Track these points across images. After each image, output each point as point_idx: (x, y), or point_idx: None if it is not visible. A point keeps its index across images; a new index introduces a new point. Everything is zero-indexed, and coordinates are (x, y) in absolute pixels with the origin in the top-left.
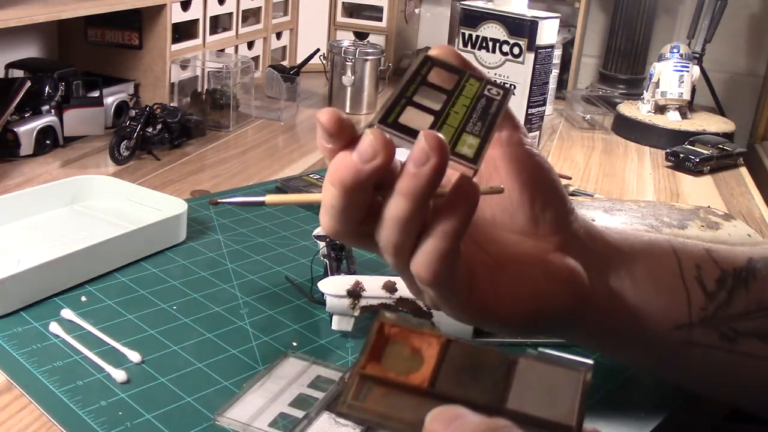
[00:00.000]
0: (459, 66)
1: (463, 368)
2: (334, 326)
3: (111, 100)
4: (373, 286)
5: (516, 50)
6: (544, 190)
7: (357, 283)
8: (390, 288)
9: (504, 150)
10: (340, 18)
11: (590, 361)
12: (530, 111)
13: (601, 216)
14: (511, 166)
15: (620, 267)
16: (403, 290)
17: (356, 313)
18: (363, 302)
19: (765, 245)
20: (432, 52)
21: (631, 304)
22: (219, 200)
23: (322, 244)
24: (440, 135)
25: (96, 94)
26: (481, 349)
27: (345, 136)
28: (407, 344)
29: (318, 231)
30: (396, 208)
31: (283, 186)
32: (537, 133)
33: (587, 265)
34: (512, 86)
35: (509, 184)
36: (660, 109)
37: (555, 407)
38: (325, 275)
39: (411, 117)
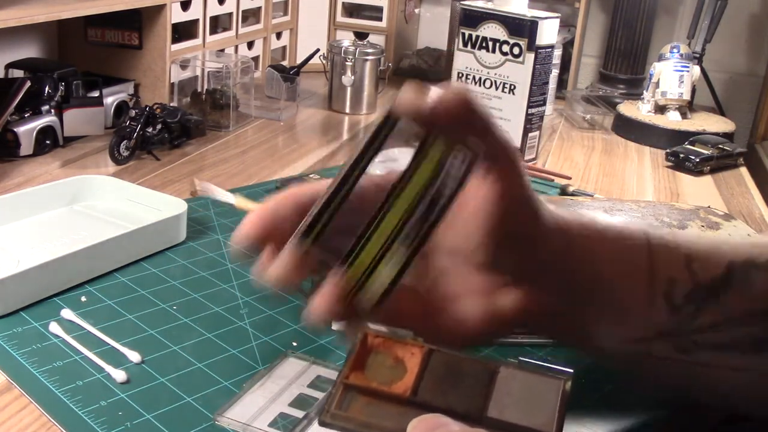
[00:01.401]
0: (424, 124)
1: (444, 377)
2: (334, 326)
3: (111, 100)
4: None
5: (516, 50)
6: (513, 242)
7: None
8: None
9: (486, 189)
10: (340, 18)
11: (570, 370)
12: (530, 111)
13: (601, 216)
14: (485, 207)
15: (586, 293)
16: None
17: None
18: None
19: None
20: (396, 107)
21: (588, 325)
22: (198, 190)
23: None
24: (321, 307)
25: (96, 94)
26: (462, 358)
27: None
28: (390, 354)
29: None
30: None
31: (284, 186)
32: (537, 133)
33: (552, 289)
34: (512, 86)
35: (474, 223)
36: (660, 109)
37: (535, 415)
38: None
39: (331, 238)
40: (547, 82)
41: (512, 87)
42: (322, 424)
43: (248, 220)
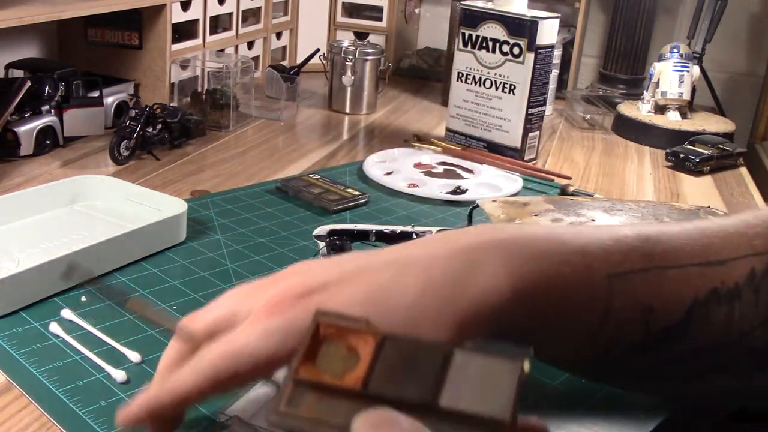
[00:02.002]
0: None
1: (397, 365)
2: None
3: (111, 100)
4: None
5: (516, 50)
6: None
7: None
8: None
9: None
10: (340, 18)
11: (528, 350)
12: (530, 111)
13: (601, 216)
14: None
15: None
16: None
17: None
18: None
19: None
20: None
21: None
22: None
23: (322, 244)
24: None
25: (96, 94)
26: (416, 343)
27: None
28: (343, 343)
29: (318, 231)
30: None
31: (284, 186)
32: (537, 133)
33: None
34: (512, 86)
35: None
36: (660, 109)
37: (489, 401)
38: None
39: None
40: (547, 82)
41: (512, 87)
42: (272, 424)
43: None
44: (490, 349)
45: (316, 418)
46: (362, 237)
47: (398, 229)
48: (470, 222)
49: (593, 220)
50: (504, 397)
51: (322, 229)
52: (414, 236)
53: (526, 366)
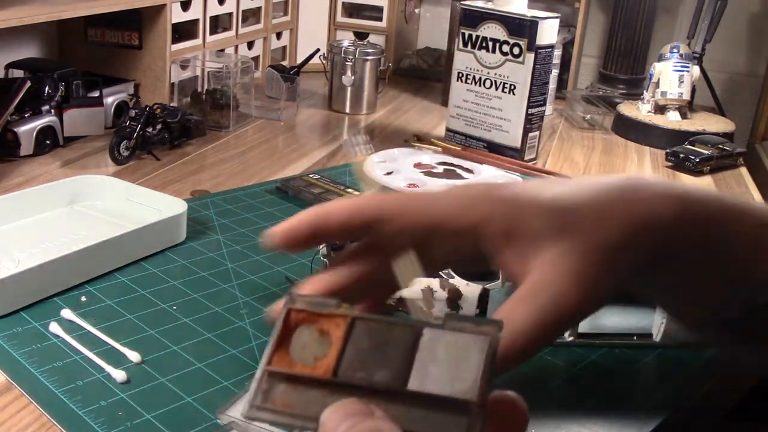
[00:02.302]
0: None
1: (367, 348)
2: None
3: (111, 100)
4: None
5: (516, 50)
6: None
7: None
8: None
9: None
10: (340, 18)
11: (498, 320)
12: (530, 111)
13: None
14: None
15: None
16: (403, 290)
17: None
18: None
19: None
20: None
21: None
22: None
23: (322, 244)
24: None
25: (96, 94)
26: (387, 323)
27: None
28: (315, 328)
29: None
30: None
31: (284, 186)
32: (537, 133)
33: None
34: (512, 86)
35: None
36: (660, 109)
37: (458, 381)
38: None
39: None
40: (547, 82)
41: (512, 87)
42: (247, 419)
43: (299, 218)
44: (459, 325)
45: (290, 410)
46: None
47: None
48: None
49: None
50: (471, 376)
51: None
52: None
53: (498, 337)
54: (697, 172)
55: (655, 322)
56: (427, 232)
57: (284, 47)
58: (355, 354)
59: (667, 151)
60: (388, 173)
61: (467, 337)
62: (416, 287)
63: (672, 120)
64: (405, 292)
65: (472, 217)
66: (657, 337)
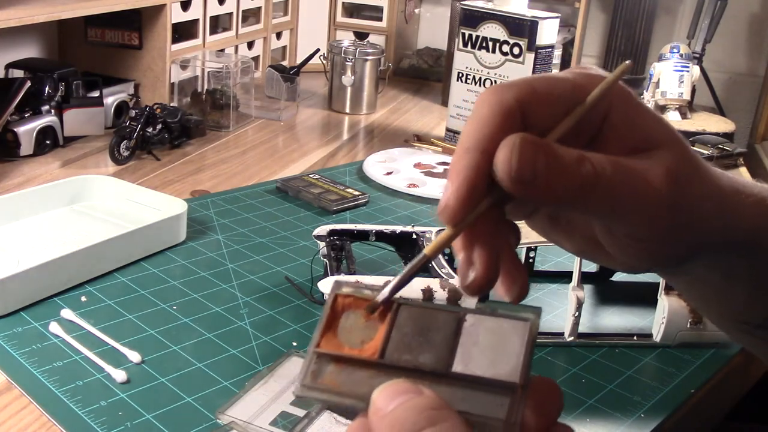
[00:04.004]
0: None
1: (412, 333)
2: None
3: (111, 100)
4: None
5: (516, 50)
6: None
7: (357, 283)
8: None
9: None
10: (340, 18)
11: (537, 307)
12: None
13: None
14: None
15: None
16: (404, 290)
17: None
18: None
19: None
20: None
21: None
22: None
23: (322, 244)
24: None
25: (96, 94)
26: (430, 309)
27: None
28: (361, 313)
29: (318, 231)
30: None
31: (284, 186)
32: None
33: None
34: None
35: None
36: (660, 109)
37: (501, 364)
38: (325, 275)
39: None
40: None
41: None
42: (297, 397)
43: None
44: (500, 311)
45: (339, 390)
46: (362, 237)
47: (398, 229)
48: None
49: None
50: (513, 359)
51: (322, 229)
52: (414, 236)
53: (536, 324)
54: None
55: (655, 322)
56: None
57: (284, 47)
58: (400, 338)
59: None
60: (388, 173)
61: (508, 322)
62: (416, 287)
63: (672, 120)
64: None
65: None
66: (657, 337)
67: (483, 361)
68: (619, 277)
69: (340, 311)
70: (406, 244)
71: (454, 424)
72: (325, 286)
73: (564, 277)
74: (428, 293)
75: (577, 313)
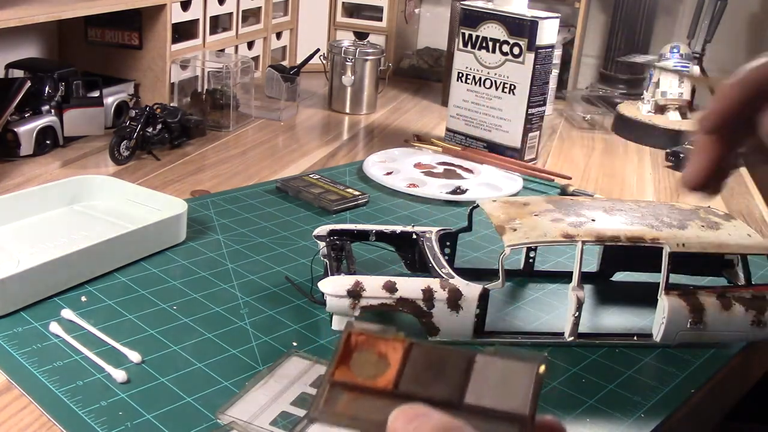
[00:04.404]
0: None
1: (424, 369)
2: (334, 326)
3: (111, 100)
4: (373, 286)
5: (516, 50)
6: None
7: (357, 283)
8: (390, 288)
9: None
10: (340, 18)
11: (544, 354)
12: (530, 111)
13: (601, 216)
14: None
15: None
16: (403, 290)
17: (356, 314)
18: (363, 302)
19: None
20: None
21: None
22: None
23: (322, 244)
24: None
25: (96, 94)
26: (441, 349)
27: None
28: (374, 350)
29: (318, 231)
30: None
31: (284, 186)
32: (537, 133)
33: None
34: (512, 86)
35: None
36: (660, 109)
37: (510, 398)
38: (325, 275)
39: None
40: (547, 82)
41: (512, 87)
42: (311, 421)
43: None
44: (509, 354)
45: (353, 416)
46: (362, 237)
47: (398, 229)
48: (470, 222)
49: (593, 220)
50: (523, 395)
51: (323, 229)
52: (414, 236)
53: (542, 368)
54: None
55: (655, 322)
56: None
57: (284, 47)
58: (413, 372)
59: (667, 151)
60: (388, 173)
61: (517, 364)
62: (416, 287)
63: (672, 120)
64: None
65: None
66: (657, 337)
67: (493, 395)
68: (619, 277)
69: (354, 348)
70: (406, 244)
71: None
72: (325, 286)
73: (564, 277)
74: (428, 293)
75: (577, 313)
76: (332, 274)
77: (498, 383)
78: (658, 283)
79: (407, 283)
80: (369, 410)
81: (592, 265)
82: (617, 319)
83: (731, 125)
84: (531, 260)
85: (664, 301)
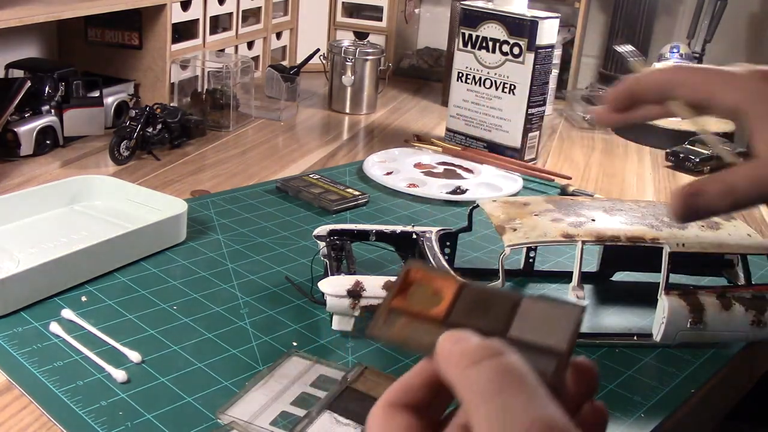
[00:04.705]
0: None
1: (474, 305)
2: (335, 326)
3: (111, 100)
4: (373, 286)
5: (516, 50)
6: None
7: (357, 283)
8: (390, 287)
9: None
10: (340, 18)
11: (584, 304)
12: (530, 111)
13: (601, 216)
14: None
15: None
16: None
17: (356, 314)
18: (363, 302)
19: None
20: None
21: None
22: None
23: (322, 244)
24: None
25: (96, 94)
26: (491, 291)
27: None
28: (430, 286)
29: (318, 231)
30: None
31: (284, 186)
32: (537, 133)
33: None
34: (512, 86)
35: None
36: None
37: (550, 336)
38: (326, 275)
39: None
40: (547, 82)
41: (512, 87)
42: (369, 337)
43: (615, 88)
44: (552, 299)
45: (406, 336)
46: (362, 237)
47: (398, 229)
48: (470, 222)
49: (593, 220)
50: (562, 334)
51: (323, 229)
52: (414, 236)
53: (582, 315)
54: (697, 172)
55: (655, 322)
56: (705, 102)
57: (284, 47)
58: (463, 308)
59: (667, 151)
60: (388, 173)
61: (558, 308)
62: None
63: (672, 120)
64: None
65: (737, 98)
66: (657, 337)
67: (534, 332)
68: (619, 276)
69: (411, 282)
70: (405, 244)
71: (516, 359)
72: (326, 286)
73: (564, 277)
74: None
75: None
76: (332, 274)
77: (540, 322)
78: (658, 283)
79: None
80: (421, 333)
81: (592, 265)
82: (617, 319)
83: (628, 105)
84: (531, 260)
85: (664, 301)
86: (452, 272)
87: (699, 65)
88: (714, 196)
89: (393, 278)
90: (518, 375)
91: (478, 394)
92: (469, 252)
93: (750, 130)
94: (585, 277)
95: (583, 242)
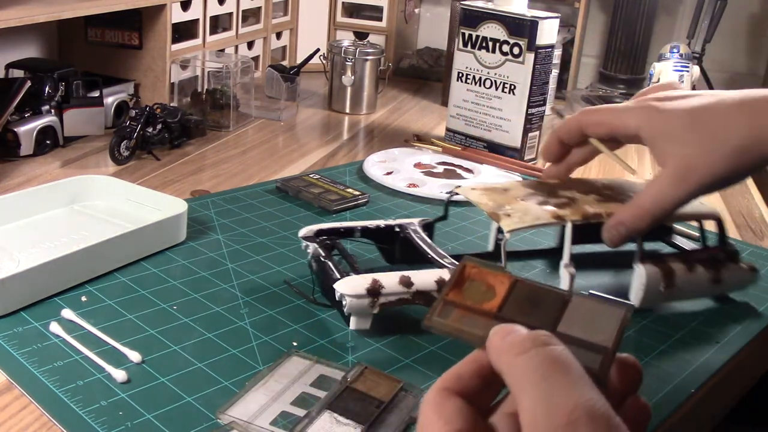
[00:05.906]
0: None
1: (525, 301)
2: (353, 326)
3: (111, 100)
4: (390, 282)
5: (516, 50)
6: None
7: (375, 282)
8: (406, 283)
9: None
10: (340, 18)
11: (632, 303)
12: (530, 111)
13: (578, 195)
14: None
15: None
16: (419, 284)
17: (375, 311)
18: (382, 299)
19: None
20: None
21: None
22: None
23: (305, 243)
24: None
25: (96, 94)
26: (542, 288)
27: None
28: (483, 282)
29: (304, 232)
30: None
31: (284, 186)
32: (537, 133)
33: None
34: (512, 86)
35: None
36: None
37: (597, 333)
38: (324, 276)
39: None
40: (547, 82)
41: (512, 87)
42: (425, 327)
43: (548, 139)
44: (601, 298)
45: (460, 328)
46: (348, 234)
47: (382, 223)
48: (446, 211)
49: (573, 200)
50: (609, 332)
51: (309, 230)
52: (396, 229)
53: (630, 314)
54: None
55: (633, 289)
56: (612, 133)
57: (284, 47)
58: (515, 303)
59: None
60: (388, 173)
61: (606, 307)
62: (429, 278)
63: None
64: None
65: (635, 123)
66: (637, 303)
67: (582, 329)
68: (575, 250)
69: (466, 277)
70: (388, 238)
71: (562, 349)
72: (344, 287)
73: (530, 255)
74: (442, 283)
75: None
76: (334, 275)
77: (588, 320)
78: (614, 251)
79: (420, 276)
80: (474, 326)
81: (550, 241)
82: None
83: (562, 152)
84: (499, 242)
85: (641, 268)
86: (505, 269)
87: (601, 106)
88: (632, 223)
89: (405, 273)
90: (563, 363)
91: (525, 380)
92: (445, 242)
93: (649, 148)
94: (543, 253)
95: (572, 222)
